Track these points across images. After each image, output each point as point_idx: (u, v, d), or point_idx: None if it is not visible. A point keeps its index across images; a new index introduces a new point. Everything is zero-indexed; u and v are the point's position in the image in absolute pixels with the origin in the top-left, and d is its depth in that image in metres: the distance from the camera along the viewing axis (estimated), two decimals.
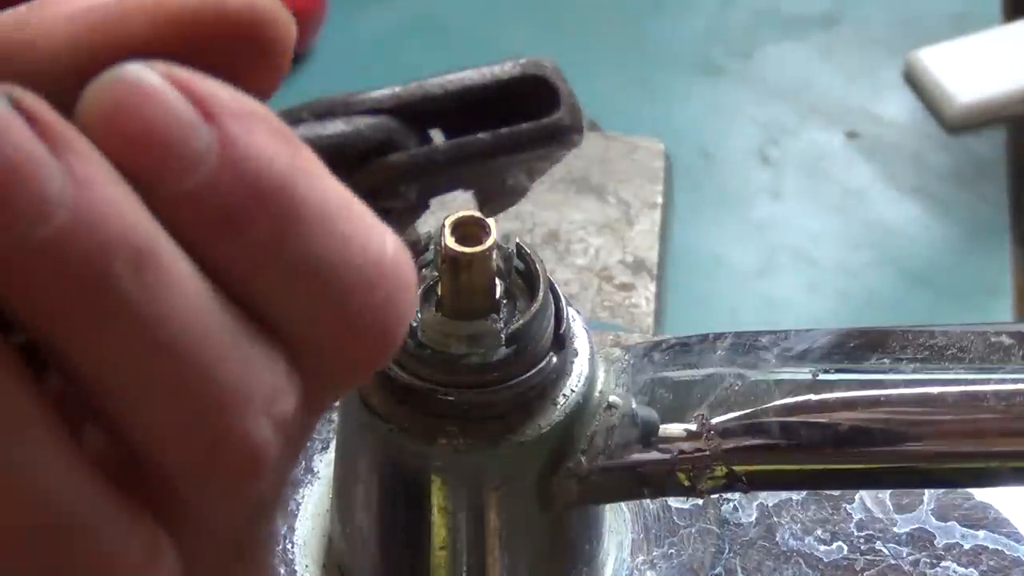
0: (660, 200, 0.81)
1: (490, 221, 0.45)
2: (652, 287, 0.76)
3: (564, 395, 0.48)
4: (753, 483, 0.48)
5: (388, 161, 0.32)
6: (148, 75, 0.26)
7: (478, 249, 0.45)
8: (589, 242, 0.78)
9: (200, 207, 0.26)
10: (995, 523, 0.56)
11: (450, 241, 0.45)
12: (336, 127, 0.31)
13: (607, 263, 0.77)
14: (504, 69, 0.35)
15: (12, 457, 0.25)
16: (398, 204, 0.32)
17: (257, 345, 0.27)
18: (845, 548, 0.56)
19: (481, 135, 0.34)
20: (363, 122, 0.32)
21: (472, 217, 0.45)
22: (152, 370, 0.26)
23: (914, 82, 0.99)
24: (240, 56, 0.28)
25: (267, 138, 0.26)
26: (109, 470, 0.27)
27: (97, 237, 0.25)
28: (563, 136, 0.35)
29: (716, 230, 0.90)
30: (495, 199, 0.40)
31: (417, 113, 0.33)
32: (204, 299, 0.26)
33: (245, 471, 0.27)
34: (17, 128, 0.24)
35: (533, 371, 0.47)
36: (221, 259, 0.26)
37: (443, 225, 0.45)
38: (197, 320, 0.26)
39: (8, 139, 0.24)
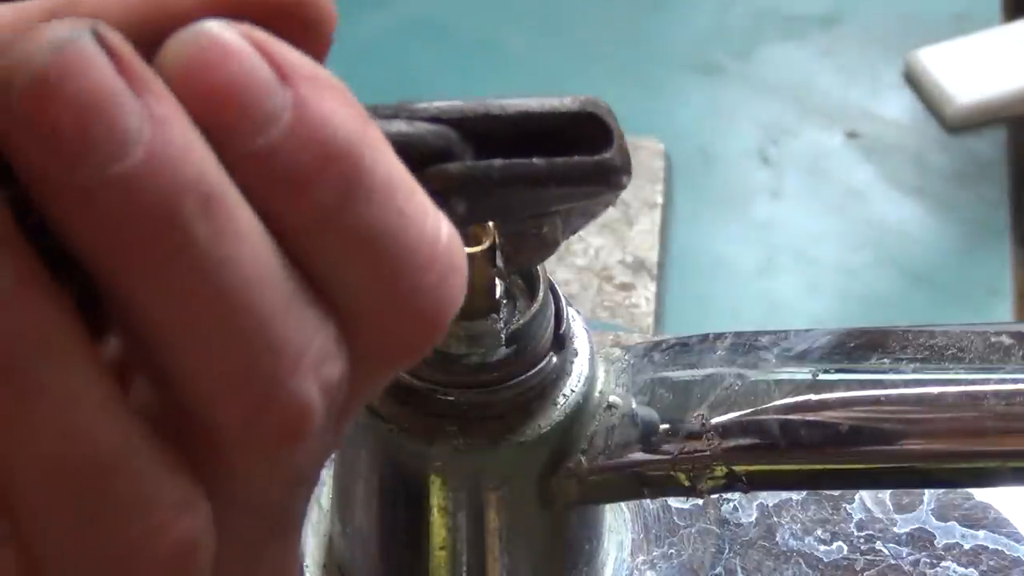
0: (660, 200, 0.81)
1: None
2: (652, 287, 0.76)
3: (564, 395, 0.48)
4: (753, 483, 0.48)
5: (446, 169, 0.33)
6: (229, 32, 0.26)
7: (478, 249, 0.45)
8: (589, 242, 0.78)
9: (268, 165, 0.26)
10: (995, 523, 0.56)
11: None
12: (400, 127, 0.32)
13: (607, 263, 0.77)
14: (563, 102, 0.35)
15: (55, 386, 0.25)
16: (446, 216, 0.32)
17: (311, 307, 0.27)
18: (845, 548, 0.56)
19: (536, 160, 0.35)
20: (425, 128, 0.32)
21: None
22: (209, 313, 0.26)
23: (914, 82, 0.99)
24: (285, 35, 0.28)
25: (339, 106, 0.27)
26: (155, 427, 0.27)
27: (170, 176, 0.25)
28: (612, 176, 0.36)
29: (716, 230, 0.90)
30: (527, 247, 0.41)
31: (477, 131, 0.34)
32: (265, 250, 0.27)
33: (289, 431, 0.27)
34: (100, 63, 0.25)
35: (533, 371, 0.47)
36: (284, 218, 0.27)
37: None
38: (257, 269, 0.26)
39: (91, 73, 0.24)
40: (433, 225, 0.29)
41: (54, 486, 0.26)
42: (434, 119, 0.33)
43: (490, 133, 0.34)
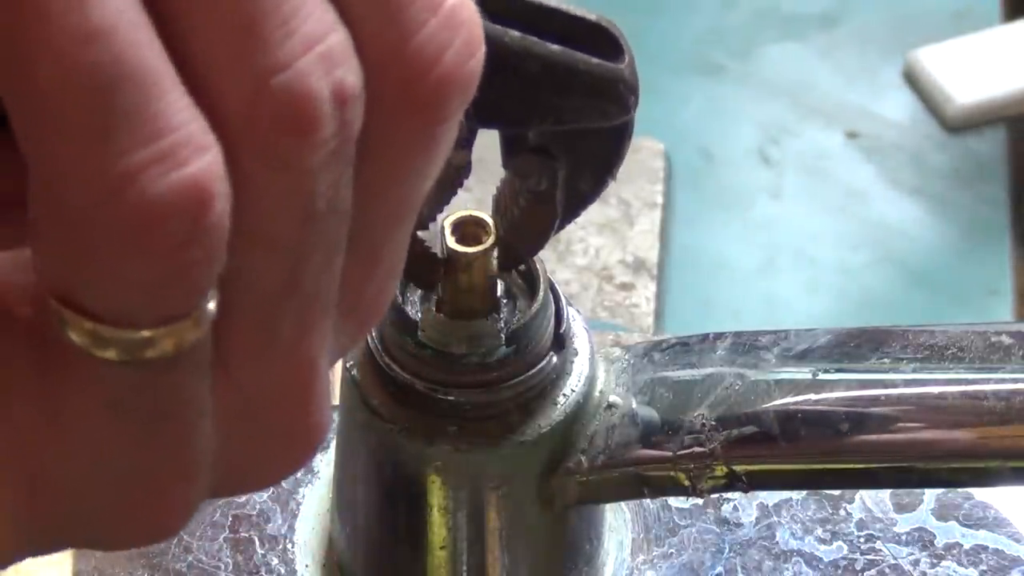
0: (660, 200, 0.81)
1: (490, 221, 0.45)
2: (652, 287, 0.76)
3: (564, 395, 0.48)
4: (753, 483, 0.48)
5: None
6: None
7: (478, 249, 0.45)
8: (589, 242, 0.78)
9: None
10: (995, 523, 0.56)
11: (450, 241, 0.45)
12: None
13: (607, 263, 0.77)
14: (579, 10, 0.35)
15: None
16: None
17: (326, 1, 0.27)
18: (845, 548, 0.56)
19: (550, 44, 0.34)
20: None
21: (472, 217, 0.45)
22: None
23: (914, 82, 0.99)
24: None
25: None
26: None
27: None
28: (623, 87, 0.35)
29: (716, 230, 0.90)
30: (526, 224, 0.40)
31: (493, 7, 0.33)
32: None
33: (291, 119, 0.26)
34: None
35: (533, 371, 0.47)
36: None
37: (442, 226, 0.45)
38: None
39: None
40: None
41: (68, 91, 0.24)
42: None
43: (505, 13, 0.33)
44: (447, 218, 0.45)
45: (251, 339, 0.28)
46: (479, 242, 0.45)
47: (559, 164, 0.40)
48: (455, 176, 0.38)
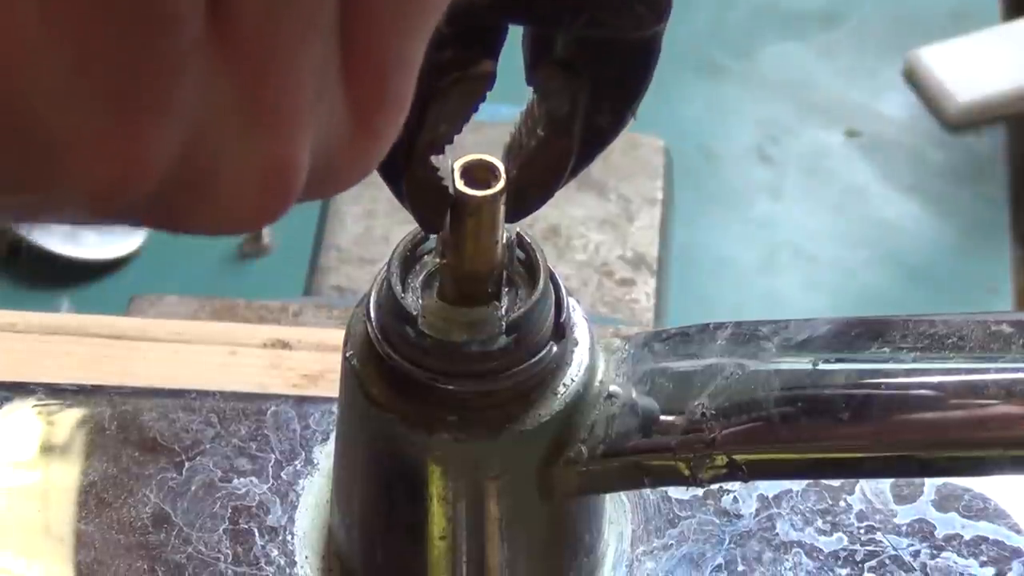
0: (660, 196, 0.82)
1: (501, 167, 0.44)
2: (652, 283, 0.76)
3: (564, 384, 0.48)
4: (753, 472, 0.48)
5: None
6: None
7: (487, 193, 0.44)
8: (589, 238, 0.78)
9: None
10: (995, 514, 0.56)
11: (459, 184, 0.44)
12: None
13: (607, 259, 0.77)
14: None
15: None
16: None
17: None
18: (845, 539, 0.56)
19: None
20: None
21: (483, 161, 0.44)
22: None
23: (914, 81, 0.99)
24: None
25: None
26: None
27: None
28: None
29: (716, 227, 0.90)
30: (538, 160, 0.40)
31: None
32: None
33: None
34: None
35: (533, 360, 0.47)
36: None
37: (452, 168, 0.44)
38: None
39: None
40: None
41: None
42: None
43: None
44: (457, 161, 0.44)
45: (247, 18, 0.28)
46: (488, 187, 0.44)
47: (582, 85, 0.39)
48: (478, 87, 0.38)
